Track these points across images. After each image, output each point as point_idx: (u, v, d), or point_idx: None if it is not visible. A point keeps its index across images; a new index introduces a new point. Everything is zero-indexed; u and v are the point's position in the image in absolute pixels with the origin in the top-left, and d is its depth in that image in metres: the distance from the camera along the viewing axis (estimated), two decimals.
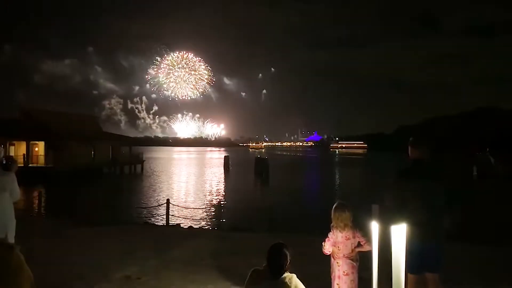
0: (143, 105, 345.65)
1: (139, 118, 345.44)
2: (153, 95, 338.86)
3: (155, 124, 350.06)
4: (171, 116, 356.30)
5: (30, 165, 37.49)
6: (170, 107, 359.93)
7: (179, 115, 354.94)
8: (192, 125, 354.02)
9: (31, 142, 40.28)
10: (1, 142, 36.41)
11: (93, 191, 30.64)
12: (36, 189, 23.81)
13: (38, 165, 38.14)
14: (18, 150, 39.74)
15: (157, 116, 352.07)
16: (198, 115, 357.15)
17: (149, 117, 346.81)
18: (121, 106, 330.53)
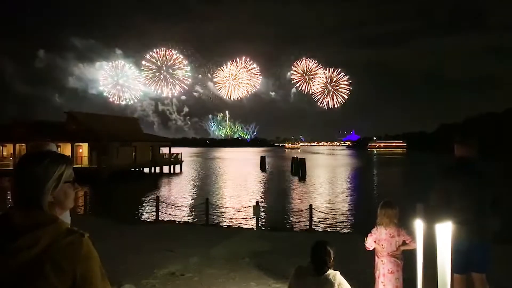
0: (174, 107, 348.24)
1: (170, 120, 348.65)
2: (183, 97, 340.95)
3: (187, 126, 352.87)
4: (202, 118, 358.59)
5: (74, 166, 38.84)
6: (200, 108, 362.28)
7: (210, 116, 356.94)
8: (224, 125, 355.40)
9: (76, 143, 41.94)
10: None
11: (135, 190, 31.54)
12: (81, 189, 24.79)
13: (82, 166, 39.65)
14: (63, 151, 41.33)
15: (188, 117, 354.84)
16: (228, 115, 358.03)
17: (180, 119, 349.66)
18: (152, 108, 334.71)
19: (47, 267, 1.22)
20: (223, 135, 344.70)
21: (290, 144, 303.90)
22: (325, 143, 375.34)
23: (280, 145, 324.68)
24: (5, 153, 45.38)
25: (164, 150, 52.42)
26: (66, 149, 41.30)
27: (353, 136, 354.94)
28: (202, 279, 5.91)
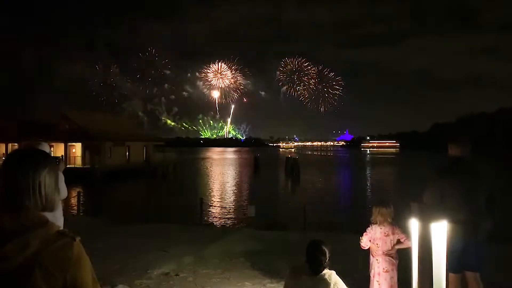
0: (163, 107, 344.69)
1: (159, 120, 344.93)
2: (172, 96, 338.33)
3: (178, 126, 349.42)
4: (192, 117, 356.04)
5: (67, 166, 38.76)
6: (189, 108, 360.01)
7: (201, 116, 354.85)
8: (215, 126, 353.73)
9: (69, 143, 41.67)
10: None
11: (129, 190, 31.39)
12: (74, 189, 24.63)
13: (76, 166, 39.41)
14: (56, 151, 41.15)
15: (178, 117, 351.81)
16: (218, 115, 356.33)
17: (169, 119, 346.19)
18: (141, 107, 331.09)
19: (37, 271, 1.18)
20: (213, 136, 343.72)
21: (284, 144, 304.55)
22: (318, 143, 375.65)
23: (274, 144, 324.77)
24: None
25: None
26: (59, 149, 41.03)
27: (347, 136, 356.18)
28: (197, 279, 5.88)
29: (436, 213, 3.34)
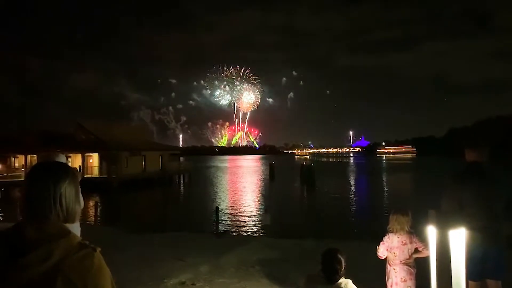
0: (171, 116, 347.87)
1: (168, 129, 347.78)
2: (179, 105, 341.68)
3: (188, 134, 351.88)
4: (201, 126, 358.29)
5: (85, 176, 39.22)
6: (197, 117, 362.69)
7: (209, 124, 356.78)
8: (227, 133, 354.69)
9: (86, 154, 42.18)
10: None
11: (145, 199, 31.61)
12: (92, 199, 24.93)
13: (93, 176, 39.83)
14: (74, 162, 41.70)
15: (186, 126, 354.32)
16: (228, 123, 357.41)
17: (177, 127, 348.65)
18: (149, 117, 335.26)
19: (58, 281, 1.20)
20: (225, 144, 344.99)
21: (299, 151, 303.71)
22: (334, 149, 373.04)
23: (290, 152, 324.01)
24: (17, 164, 45.77)
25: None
26: (76, 160, 41.57)
27: (363, 142, 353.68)
28: None
29: (454, 220, 3.29)
